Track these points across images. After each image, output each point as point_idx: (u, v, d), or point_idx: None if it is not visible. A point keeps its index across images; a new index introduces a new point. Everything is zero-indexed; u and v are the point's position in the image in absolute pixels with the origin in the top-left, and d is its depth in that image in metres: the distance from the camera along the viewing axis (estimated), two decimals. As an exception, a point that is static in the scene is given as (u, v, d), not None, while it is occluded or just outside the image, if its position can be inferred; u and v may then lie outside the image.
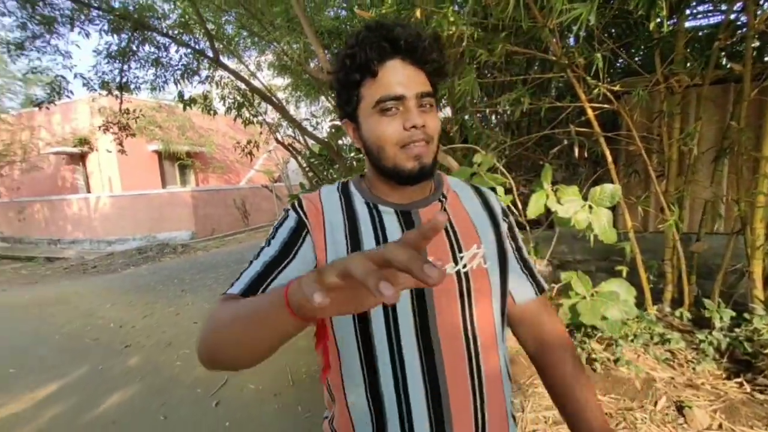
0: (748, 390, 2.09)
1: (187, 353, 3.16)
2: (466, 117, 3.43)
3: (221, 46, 4.64)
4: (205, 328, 0.54)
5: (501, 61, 2.53)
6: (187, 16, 4.33)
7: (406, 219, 0.65)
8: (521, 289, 0.72)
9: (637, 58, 3.64)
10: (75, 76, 4.30)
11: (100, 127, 4.89)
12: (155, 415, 2.32)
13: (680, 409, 2.00)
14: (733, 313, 2.35)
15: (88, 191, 11.02)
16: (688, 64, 2.73)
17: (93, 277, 6.52)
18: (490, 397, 0.64)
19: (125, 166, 10.30)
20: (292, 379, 2.64)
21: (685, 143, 2.81)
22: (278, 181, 13.08)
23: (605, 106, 2.71)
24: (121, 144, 4.83)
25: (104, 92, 4.47)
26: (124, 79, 4.42)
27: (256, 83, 4.99)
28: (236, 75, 4.26)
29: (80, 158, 11.14)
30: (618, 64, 3.49)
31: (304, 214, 0.66)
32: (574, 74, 2.64)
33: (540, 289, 0.73)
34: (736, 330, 2.30)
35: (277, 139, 4.84)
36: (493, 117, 4.26)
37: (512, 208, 2.69)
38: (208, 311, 0.57)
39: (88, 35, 4.07)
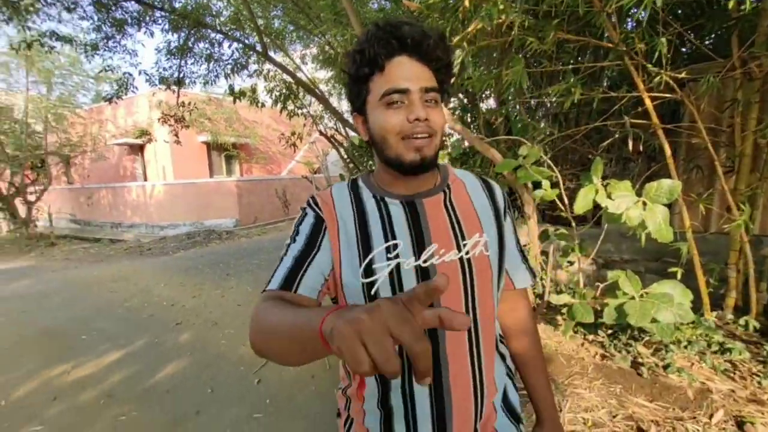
0: (823, 410, 1.89)
1: (231, 333, 3.36)
2: (511, 108, 3.32)
3: (269, 40, 4.80)
4: (253, 326, 0.58)
5: (552, 50, 2.41)
6: (238, 13, 4.52)
7: (411, 209, 0.68)
8: (520, 277, 0.79)
9: (708, 42, 3.33)
10: (140, 73, 4.65)
11: (159, 119, 5.26)
12: (204, 387, 2.50)
13: (740, 425, 1.85)
14: (809, 325, 2.13)
15: (145, 179, 11.90)
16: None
17: (148, 258, 7.07)
18: (486, 369, 0.70)
19: (177, 156, 11.00)
20: (329, 363, 2.73)
21: (763, 135, 2.55)
22: (317, 173, 13.42)
23: (667, 95, 2.51)
24: (177, 135, 5.16)
25: (163, 87, 4.79)
26: (181, 75, 4.71)
27: (300, 76, 5.13)
28: (283, 68, 4.40)
29: (139, 149, 12.04)
30: (684, 50, 3.21)
31: (320, 210, 0.70)
32: (633, 62, 2.48)
33: (533, 277, 0.81)
34: (811, 344, 2.09)
35: (320, 131, 4.95)
36: (541, 108, 4.08)
37: (558, 202, 2.59)
38: (254, 306, 0.60)
39: (152, 34, 4.39)
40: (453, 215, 0.69)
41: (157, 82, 4.65)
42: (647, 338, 2.41)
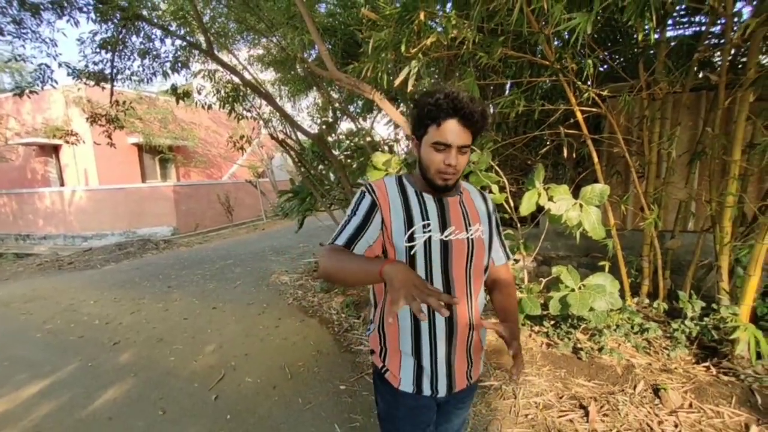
0: (715, 373, 2.29)
1: (180, 348, 3.13)
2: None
3: (213, 38, 4.56)
4: (326, 261, 0.95)
5: (498, 64, 2.63)
6: (178, 7, 4.24)
7: (440, 202, 1.04)
8: (499, 256, 1.17)
9: (622, 64, 3.84)
10: (60, 65, 4.14)
11: (87, 119, 4.72)
12: (153, 409, 2.31)
13: (656, 391, 2.16)
14: (703, 304, 2.55)
15: (62, 184, 10.55)
16: (669, 74, 2.92)
17: (70, 273, 6.28)
18: (475, 310, 1.07)
19: (103, 158, 9.93)
20: (290, 372, 2.67)
21: (663, 147, 3.00)
22: (262, 177, 12.90)
23: (593, 109, 2.86)
24: (110, 136, 4.67)
25: (91, 82, 4.32)
26: (114, 70, 4.29)
27: (247, 77, 4.94)
28: (230, 68, 4.21)
29: (53, 150, 10.66)
30: (602, 69, 3.65)
31: (376, 196, 1.02)
32: (566, 78, 2.78)
33: (507, 258, 1.20)
34: (705, 319, 2.50)
35: (271, 135, 4.79)
36: (495, 118, 4.37)
37: (505, 205, 2.81)
38: (328, 247, 0.98)
39: (77, 23, 3.93)
40: (464, 210, 1.06)
41: (82, 76, 4.17)
42: (584, 326, 2.71)
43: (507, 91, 3.56)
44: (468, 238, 1.03)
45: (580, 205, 2.20)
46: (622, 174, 3.66)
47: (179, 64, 4.43)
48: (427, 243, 0.98)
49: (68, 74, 4.18)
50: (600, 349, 2.48)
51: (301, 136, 5.18)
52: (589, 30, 1.87)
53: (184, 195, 9.74)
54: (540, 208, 2.49)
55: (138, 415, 2.25)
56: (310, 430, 2.05)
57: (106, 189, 9.33)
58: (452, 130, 0.92)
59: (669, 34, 3.11)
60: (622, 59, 3.83)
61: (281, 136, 4.94)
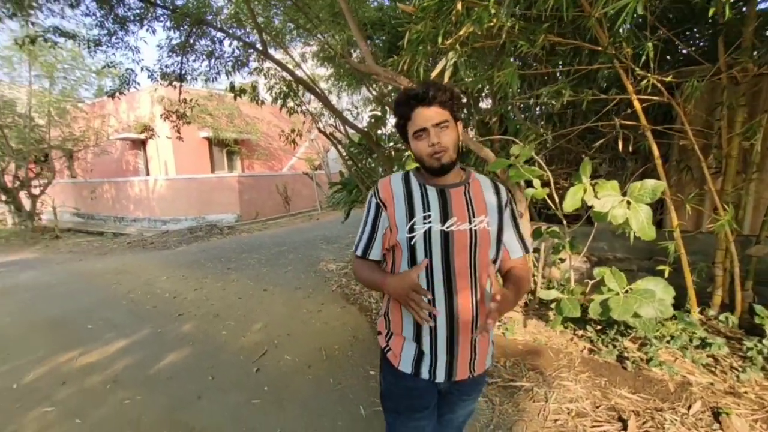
0: (797, 402, 1.98)
1: (232, 324, 3.46)
2: (508, 108, 3.38)
3: (269, 38, 4.86)
4: (356, 272, 1.17)
5: (542, 53, 2.48)
6: (239, 11, 4.58)
7: (443, 193, 1.06)
8: (514, 248, 1.14)
9: (701, 45, 3.38)
10: (141, 69, 4.74)
11: (161, 115, 5.33)
12: (205, 375, 2.60)
13: (717, 415, 1.93)
14: (789, 322, 2.21)
15: (147, 174, 12.00)
16: (756, 52, 2.53)
17: (151, 252, 7.18)
18: (481, 302, 1.06)
19: (179, 151, 11.08)
20: (325, 353, 2.82)
21: (747, 138, 2.61)
22: (318, 169, 13.48)
23: (655, 98, 2.58)
24: (178, 131, 5.23)
25: (165, 83, 4.86)
26: (183, 71, 4.78)
27: (300, 74, 5.19)
28: (282, 66, 4.46)
29: (141, 144, 12.13)
30: (682, 52, 3.25)
31: (380, 197, 1.10)
32: (622, 65, 2.54)
33: (526, 250, 1.16)
34: (791, 340, 2.16)
35: (319, 129, 5.02)
36: (538, 109, 4.14)
37: (548, 200, 2.66)
38: (354, 261, 1.18)
39: (154, 32, 4.45)
40: (469, 201, 1.06)
41: (158, 78, 4.71)
42: (633, 334, 2.49)
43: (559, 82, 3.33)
44: (471, 229, 1.03)
45: (628, 203, 2.02)
46: (695, 170, 3.26)
47: (239, 64, 4.79)
48: (427, 234, 1.02)
49: (148, 77, 4.74)
50: (649, 360, 2.28)
51: (351, 131, 5.33)
52: (640, 10, 1.69)
53: (247, 185, 10.53)
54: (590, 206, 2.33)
55: (192, 379, 2.55)
56: (337, 409, 2.17)
57: (181, 179, 10.41)
58: (421, 115, 1.00)
59: (762, 6, 2.68)
60: (703, 40, 3.38)
61: (329, 130, 5.13)
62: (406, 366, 1.08)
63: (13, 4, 4.32)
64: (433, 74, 2.47)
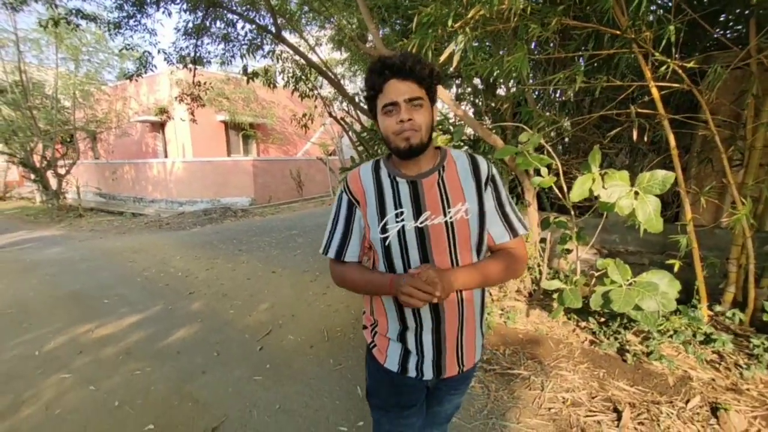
0: (802, 403, 1.93)
1: (239, 304, 3.56)
2: (520, 95, 3.29)
3: (283, 21, 4.84)
4: (335, 277, 1.06)
5: (555, 37, 2.40)
6: (252, -7, 4.56)
7: (413, 186, 0.97)
8: (498, 232, 1.01)
9: (731, 28, 3.19)
10: (158, 51, 4.79)
11: (176, 97, 5.42)
12: (210, 350, 2.70)
13: (715, 410, 1.90)
14: (801, 322, 2.13)
15: (166, 156, 12.27)
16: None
17: (167, 232, 7.40)
18: (467, 303, 1.00)
19: (197, 134, 11.27)
20: (328, 335, 2.89)
21: (772, 129, 2.48)
22: (333, 155, 13.51)
23: (674, 85, 2.47)
24: (192, 114, 5.32)
25: (180, 65, 4.92)
26: (198, 54, 4.82)
27: (314, 58, 5.16)
28: (295, 49, 4.45)
29: (160, 126, 12.38)
30: (710, 36, 3.08)
31: (352, 193, 1.01)
32: (641, 50, 2.44)
33: (513, 234, 1.02)
34: (803, 340, 2.09)
35: (330, 113, 5.01)
36: (553, 95, 4.02)
37: (555, 189, 2.61)
38: (331, 264, 1.07)
39: (170, 14, 4.50)
40: (443, 190, 0.97)
41: (174, 61, 4.78)
42: (636, 327, 2.46)
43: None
44: (446, 221, 0.95)
45: (636, 193, 1.97)
46: (716, 162, 3.12)
47: (253, 47, 4.80)
48: (401, 232, 0.95)
49: (164, 59, 4.80)
50: (649, 354, 2.24)
51: (363, 116, 5.30)
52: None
53: (261, 169, 10.65)
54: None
55: (199, 353, 2.65)
56: (335, 388, 2.23)
57: (198, 161, 10.61)
58: (394, 87, 0.90)
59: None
60: (731, 25, 3.20)
61: (342, 115, 5.12)
62: (392, 364, 1.03)
63: (36, -14, 4.42)
64: (442, 58, 2.42)
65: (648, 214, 1.91)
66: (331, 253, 1.03)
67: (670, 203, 3.51)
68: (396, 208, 0.96)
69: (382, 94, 0.91)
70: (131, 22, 4.91)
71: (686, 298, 2.49)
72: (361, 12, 3.30)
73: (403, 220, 0.95)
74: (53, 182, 11.02)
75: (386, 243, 0.96)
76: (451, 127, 3.74)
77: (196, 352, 2.68)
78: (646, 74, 2.46)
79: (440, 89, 3.03)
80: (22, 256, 5.65)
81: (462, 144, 3.76)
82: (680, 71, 2.39)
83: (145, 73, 4.89)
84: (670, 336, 2.29)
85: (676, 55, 2.38)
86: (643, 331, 2.45)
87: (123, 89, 12.50)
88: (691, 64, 2.40)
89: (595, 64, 2.94)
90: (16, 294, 3.94)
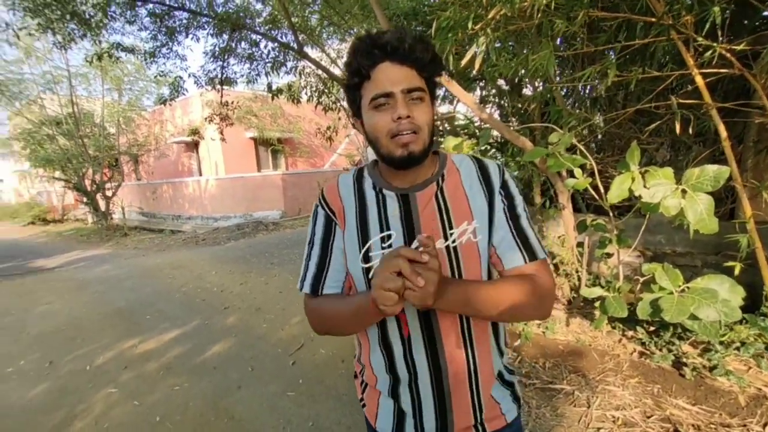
0: None
1: (272, 317, 3.60)
2: (547, 93, 3.16)
3: (304, 37, 4.96)
4: (312, 319, 0.80)
5: (582, 31, 2.27)
6: (276, 13, 4.71)
7: (405, 201, 0.76)
8: (510, 256, 0.75)
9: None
10: (189, 75, 5.04)
11: (205, 118, 5.67)
12: (245, 365, 2.73)
13: (797, 434, 1.68)
14: None
15: (200, 174, 12.85)
16: None
17: (202, 248, 7.70)
18: (479, 346, 0.76)
19: (228, 152, 11.74)
20: (359, 348, 2.85)
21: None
22: (359, 165, 13.65)
23: (723, 70, 2.27)
24: (221, 133, 5.54)
25: (209, 87, 5.14)
26: (224, 75, 5.03)
27: (336, 71, 5.24)
28: (317, 64, 4.54)
29: (194, 146, 13.01)
30: (763, 13, 2.83)
31: (329, 208, 0.80)
32: (680, 36, 2.26)
33: (530, 257, 0.75)
34: None
35: (353, 124, 5.04)
36: (581, 92, 3.84)
37: (591, 190, 2.46)
38: (306, 304, 0.82)
39: (198, 39, 4.74)
40: (443, 206, 0.75)
41: (203, 83, 5.02)
42: (693, 337, 2.24)
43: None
44: (448, 246, 0.72)
45: (683, 191, 1.80)
46: (776, 152, 2.84)
47: (277, 64, 4.94)
48: None
49: (194, 82, 5.05)
50: (712, 368, 2.03)
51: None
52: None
53: (290, 182, 10.91)
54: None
55: (234, 369, 2.69)
56: (368, 405, 2.18)
57: (229, 178, 11.03)
58: (387, 74, 0.68)
59: None
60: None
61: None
62: (384, 427, 0.81)
63: (84, 26, 4.79)
64: (464, 61, 2.36)
65: (699, 213, 1.74)
66: (307, 287, 0.79)
67: (723, 199, 3.23)
68: (382, 230, 0.74)
69: (370, 81, 0.69)
70: (164, 50, 5.22)
71: (752, 305, 2.25)
72: (379, 22, 3.31)
73: (390, 245, 0.73)
74: (102, 204, 11.83)
75: (369, 275, 0.72)
76: (477, 131, 3.65)
77: (231, 367, 2.73)
78: (688, 61, 2.28)
79: (463, 92, 2.96)
80: (76, 275, 6.05)
81: (489, 147, 3.65)
82: (728, 55, 2.19)
83: (177, 97, 5.16)
84: (737, 348, 2.07)
85: (723, 38, 2.20)
86: (702, 341, 2.23)
87: (160, 113, 13.28)
88: (740, 47, 2.19)
89: (627, 56, 2.76)
90: (70, 312, 4.20)
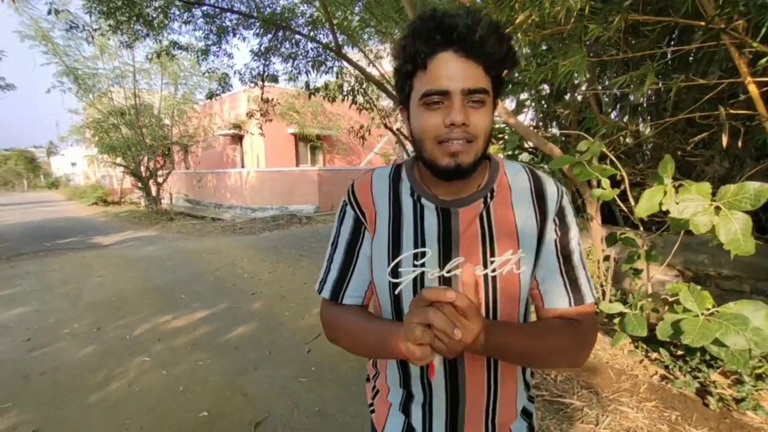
0: None
1: (294, 306, 3.76)
2: (579, 99, 3.05)
3: (345, 38, 5.09)
4: (327, 326, 0.74)
5: (620, 36, 2.18)
6: (318, 13, 4.89)
7: (445, 217, 0.66)
8: (553, 297, 0.67)
9: None
10: (234, 72, 5.35)
11: (246, 114, 5.98)
12: (264, 349, 2.89)
13: (831, 480, 1.53)
14: None
15: (242, 166, 13.51)
16: None
17: (239, 236, 8.12)
18: (504, 382, 0.70)
19: (270, 146, 12.25)
20: (373, 343, 2.92)
21: None
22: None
23: (780, 79, 2.09)
24: (261, 128, 5.81)
25: (252, 84, 5.43)
26: (266, 72, 5.29)
27: (374, 71, 5.34)
28: (353, 64, 4.66)
29: (239, 139, 13.70)
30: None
31: (360, 209, 0.71)
32: (733, 40, 2.11)
33: (577, 301, 0.66)
34: None
35: (385, 125, 5.12)
36: (630, 98, 3.66)
37: (620, 203, 2.35)
38: (322, 307, 0.77)
39: (244, 39, 5.01)
40: (487, 230, 0.66)
41: (247, 80, 5.31)
42: (725, 366, 2.09)
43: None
44: (488, 275, 0.65)
45: (717, 209, 1.69)
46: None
47: (317, 63, 5.12)
48: (418, 281, 0.66)
49: (239, 79, 5.35)
50: (740, 401, 1.89)
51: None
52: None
53: (326, 178, 11.20)
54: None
55: (253, 350, 2.86)
56: (373, 398, 2.24)
57: (269, 171, 11.50)
58: (448, 67, 0.57)
59: None
60: None
61: (398, 126, 5.20)
62: None
63: (147, 26, 5.24)
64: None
65: (733, 233, 1.62)
66: (326, 293, 0.73)
67: (780, 219, 2.95)
68: (416, 246, 0.66)
69: (426, 72, 0.59)
70: (214, 48, 5.58)
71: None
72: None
73: (423, 264, 0.65)
74: (153, 189, 12.79)
75: (396, 291, 0.67)
76: (506, 136, 3.58)
77: (251, 348, 2.89)
78: (740, 68, 2.12)
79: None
80: (126, 253, 6.62)
81: (518, 152, 3.57)
82: (786, 63, 2.02)
83: (224, 92, 5.50)
84: (769, 380, 1.91)
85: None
86: (735, 371, 2.07)
87: (210, 107, 14.09)
88: (799, 54, 2.01)
89: (670, 63, 2.61)
90: (118, 285, 4.61)
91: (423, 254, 0.66)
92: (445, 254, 0.65)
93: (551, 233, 0.67)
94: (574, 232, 0.68)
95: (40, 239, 8.25)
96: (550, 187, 0.69)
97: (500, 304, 0.65)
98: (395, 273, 0.67)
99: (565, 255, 0.67)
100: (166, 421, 2.09)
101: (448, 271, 0.65)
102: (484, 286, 0.65)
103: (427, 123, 0.59)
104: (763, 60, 2.04)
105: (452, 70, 0.57)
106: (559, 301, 0.66)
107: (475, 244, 0.65)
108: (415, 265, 0.66)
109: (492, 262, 0.64)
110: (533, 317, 0.74)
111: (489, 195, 0.67)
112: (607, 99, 3.50)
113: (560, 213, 0.68)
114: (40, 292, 4.40)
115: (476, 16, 0.57)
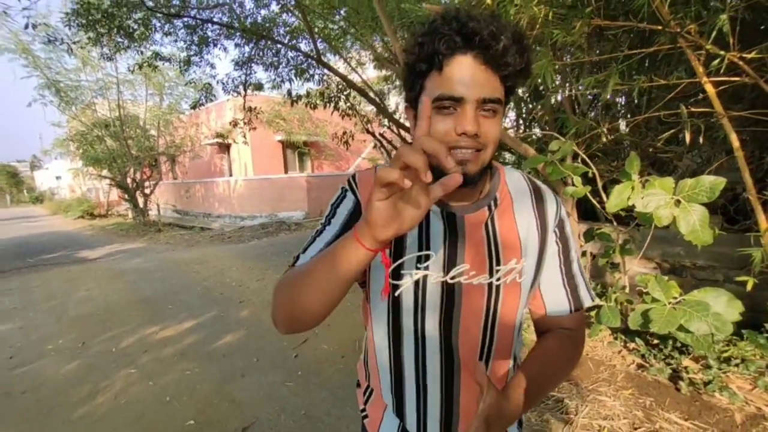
0: None
1: (283, 312, 3.78)
2: (551, 101, 3.16)
3: (326, 46, 5.16)
4: (278, 291, 0.60)
5: (581, 40, 2.28)
6: (298, 22, 4.95)
7: (451, 222, 0.65)
8: (556, 303, 0.70)
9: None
10: (217, 82, 5.37)
11: (230, 122, 6.00)
12: (251, 356, 2.90)
13: (793, 456, 1.62)
14: None
15: (230, 175, 13.45)
16: None
17: (227, 245, 8.08)
18: (495, 380, 0.70)
19: (257, 153, 12.24)
20: (359, 345, 2.95)
21: None
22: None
23: (734, 78, 2.21)
24: (244, 136, 5.83)
25: (235, 93, 5.46)
26: (248, 81, 5.32)
27: (355, 78, 5.41)
28: (334, 71, 4.72)
29: (226, 148, 13.65)
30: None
31: (359, 193, 0.68)
32: (688, 43, 2.22)
33: (576, 306, 0.70)
34: None
35: (367, 130, 5.19)
36: (613, 98, 3.78)
37: (591, 198, 2.44)
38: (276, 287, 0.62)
39: (226, 49, 5.04)
40: (492, 237, 0.65)
41: (230, 89, 5.34)
42: (695, 352, 2.17)
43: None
44: (491, 284, 0.65)
45: (677, 202, 1.78)
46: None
47: (299, 71, 5.17)
48: (420, 285, 0.65)
49: (222, 89, 5.38)
50: (707, 384, 1.97)
51: (405, 134, 5.40)
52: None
53: (314, 185, 11.21)
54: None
55: (241, 358, 2.87)
56: (359, 399, 2.27)
57: (257, 179, 11.48)
58: (465, 73, 0.54)
59: None
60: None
61: (380, 131, 5.27)
62: None
63: (128, 38, 5.24)
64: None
65: (692, 224, 1.71)
66: (306, 259, 0.64)
67: (749, 212, 3.09)
68: (420, 249, 0.64)
69: (441, 74, 0.56)
70: (196, 58, 5.60)
71: (758, 321, 2.16)
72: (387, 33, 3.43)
73: (427, 267, 0.64)
74: (141, 201, 12.65)
75: (396, 292, 0.65)
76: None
77: (238, 356, 2.90)
78: (697, 69, 2.23)
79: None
80: (113, 265, 6.54)
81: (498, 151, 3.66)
82: (740, 63, 2.14)
83: (207, 102, 5.52)
84: (737, 365, 2.00)
85: (737, 45, 2.14)
86: (703, 357, 2.16)
87: (196, 116, 14.02)
88: (752, 55, 2.13)
89: (640, 64, 2.72)
90: (105, 298, 4.57)
91: (426, 257, 0.64)
92: (450, 259, 0.64)
93: (553, 245, 0.69)
94: (572, 242, 0.71)
95: (23, 255, 8.10)
96: (550, 198, 0.71)
97: (500, 313, 0.66)
98: (396, 275, 0.65)
99: (566, 265, 0.70)
100: (151, 431, 2.09)
101: (452, 278, 0.64)
102: (487, 295, 0.65)
103: (438, 128, 0.56)
104: (716, 61, 2.15)
105: (469, 77, 0.54)
106: (561, 306, 0.70)
107: (481, 252, 0.65)
108: (418, 268, 0.64)
109: (497, 271, 0.65)
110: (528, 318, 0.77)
111: (493, 203, 0.67)
112: (590, 98, 3.62)
113: (560, 225, 0.70)
114: (23, 309, 4.33)
115: (501, 23, 0.54)
